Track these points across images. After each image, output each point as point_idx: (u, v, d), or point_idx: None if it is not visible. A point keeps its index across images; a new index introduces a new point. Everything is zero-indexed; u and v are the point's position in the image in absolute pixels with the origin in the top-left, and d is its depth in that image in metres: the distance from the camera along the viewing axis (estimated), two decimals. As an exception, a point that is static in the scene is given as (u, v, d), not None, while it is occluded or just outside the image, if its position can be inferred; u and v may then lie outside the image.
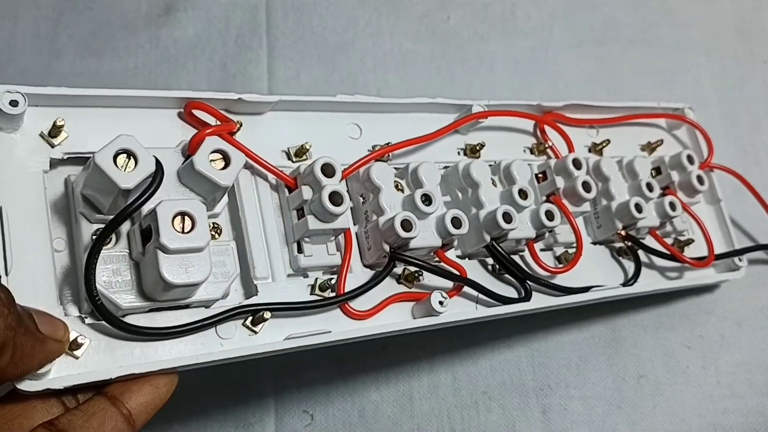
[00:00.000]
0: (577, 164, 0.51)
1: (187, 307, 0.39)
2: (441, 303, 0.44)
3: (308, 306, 0.41)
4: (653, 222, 0.55)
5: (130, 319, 0.37)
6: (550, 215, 0.49)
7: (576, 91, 0.70)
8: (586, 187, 0.51)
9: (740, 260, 0.60)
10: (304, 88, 0.66)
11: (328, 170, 0.42)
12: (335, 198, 0.41)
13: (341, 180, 0.43)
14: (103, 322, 0.36)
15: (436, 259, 0.46)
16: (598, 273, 0.54)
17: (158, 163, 0.36)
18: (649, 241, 0.56)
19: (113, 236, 0.36)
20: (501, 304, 0.47)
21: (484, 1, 0.72)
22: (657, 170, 0.59)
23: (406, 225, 0.43)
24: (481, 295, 0.47)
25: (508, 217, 0.46)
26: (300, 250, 0.43)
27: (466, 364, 0.58)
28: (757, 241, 0.66)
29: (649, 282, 0.56)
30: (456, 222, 0.45)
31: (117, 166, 0.35)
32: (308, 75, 0.67)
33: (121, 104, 0.41)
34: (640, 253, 0.56)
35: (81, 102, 0.40)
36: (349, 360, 0.56)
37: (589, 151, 0.58)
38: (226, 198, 0.41)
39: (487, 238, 0.47)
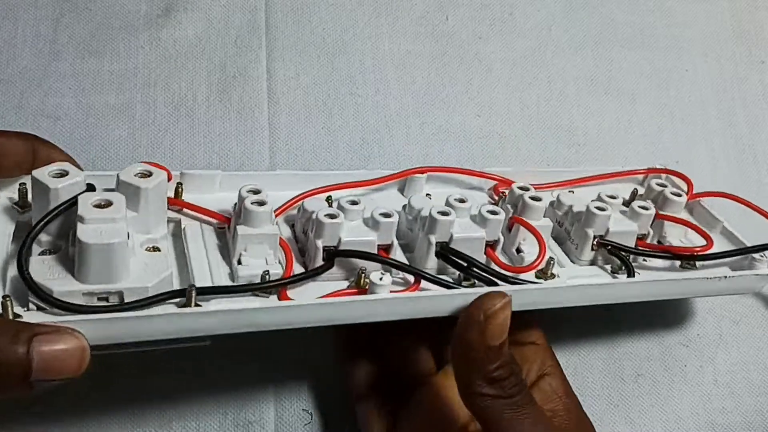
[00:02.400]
0: (523, 188, 0.51)
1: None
2: (380, 278, 0.42)
3: (242, 289, 0.41)
4: (626, 226, 0.51)
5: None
6: (493, 211, 0.47)
7: (574, 91, 0.70)
8: (535, 198, 0.50)
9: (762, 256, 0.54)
10: (303, 89, 0.66)
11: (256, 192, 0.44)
12: (258, 201, 0.43)
13: (276, 218, 0.45)
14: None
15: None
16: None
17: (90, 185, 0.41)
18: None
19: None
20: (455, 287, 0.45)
21: (482, 1, 0.73)
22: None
23: (331, 215, 0.43)
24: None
25: (443, 213, 0.45)
26: (240, 263, 0.43)
27: (464, 363, 0.58)
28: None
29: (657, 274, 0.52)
30: (385, 214, 0.45)
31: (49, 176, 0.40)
32: (307, 75, 0.67)
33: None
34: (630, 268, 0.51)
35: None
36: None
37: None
38: (164, 227, 0.43)
39: (433, 240, 0.45)
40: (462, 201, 0.47)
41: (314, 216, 0.44)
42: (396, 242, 0.46)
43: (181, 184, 0.47)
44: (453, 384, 0.43)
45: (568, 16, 0.73)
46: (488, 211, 0.47)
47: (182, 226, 0.46)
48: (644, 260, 0.53)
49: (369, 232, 0.45)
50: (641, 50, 0.73)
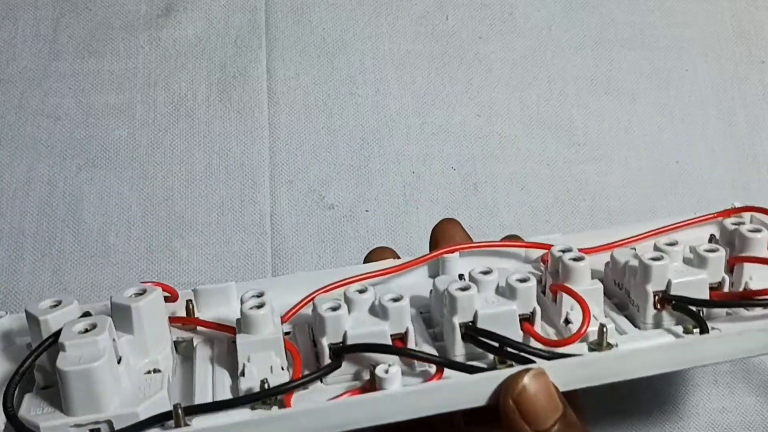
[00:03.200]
0: (564, 250, 0.43)
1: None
2: (386, 371, 0.36)
3: (238, 402, 0.36)
4: (691, 276, 0.41)
5: None
6: (522, 279, 0.40)
7: (574, 91, 0.70)
8: (577, 258, 0.42)
9: None
10: (303, 89, 0.66)
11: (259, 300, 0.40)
12: (257, 304, 0.39)
13: (285, 322, 0.41)
14: None
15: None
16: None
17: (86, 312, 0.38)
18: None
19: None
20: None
21: (482, 1, 0.73)
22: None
23: (333, 307, 0.38)
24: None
25: (462, 288, 0.39)
26: (243, 375, 0.38)
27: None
28: None
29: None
30: (394, 298, 0.39)
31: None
32: (307, 75, 0.67)
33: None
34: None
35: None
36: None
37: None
38: (167, 347, 0.40)
39: (456, 321, 0.39)
40: (486, 273, 0.41)
41: (315, 311, 0.39)
42: (412, 329, 0.39)
43: (192, 301, 0.44)
44: None
45: (568, 16, 0.73)
46: (517, 280, 0.40)
47: (194, 345, 0.43)
48: (728, 313, 0.42)
49: (378, 321, 0.39)
50: (641, 50, 0.73)
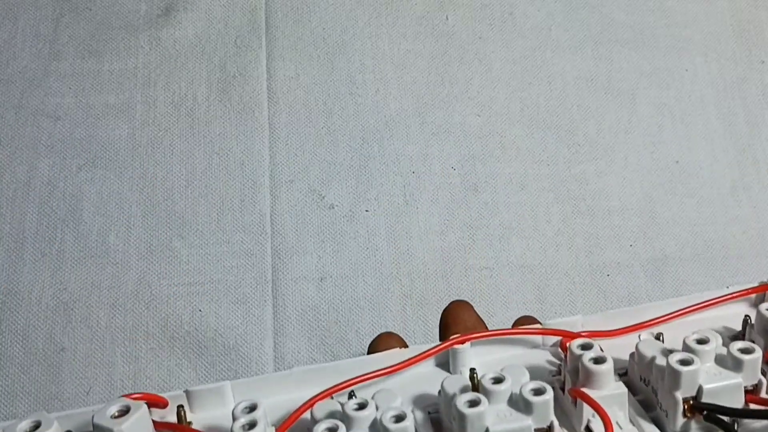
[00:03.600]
0: (585, 347, 0.40)
1: None
2: None
3: None
4: (724, 380, 0.38)
5: None
6: (538, 391, 0.37)
7: (574, 91, 0.70)
8: (598, 360, 0.39)
9: None
10: (303, 89, 0.66)
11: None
12: (248, 424, 0.36)
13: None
14: None
15: None
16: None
17: None
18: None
19: None
20: None
21: (482, 1, 0.73)
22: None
23: (332, 428, 0.36)
24: None
25: (472, 403, 0.36)
26: None
27: None
28: None
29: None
30: (397, 417, 0.36)
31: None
32: (307, 75, 0.67)
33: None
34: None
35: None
36: None
37: None
38: None
39: None
40: (498, 381, 0.38)
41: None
42: None
43: (182, 406, 0.40)
44: None
45: (568, 16, 0.73)
46: (532, 391, 0.37)
47: None
48: None
49: None
50: (641, 50, 0.73)
